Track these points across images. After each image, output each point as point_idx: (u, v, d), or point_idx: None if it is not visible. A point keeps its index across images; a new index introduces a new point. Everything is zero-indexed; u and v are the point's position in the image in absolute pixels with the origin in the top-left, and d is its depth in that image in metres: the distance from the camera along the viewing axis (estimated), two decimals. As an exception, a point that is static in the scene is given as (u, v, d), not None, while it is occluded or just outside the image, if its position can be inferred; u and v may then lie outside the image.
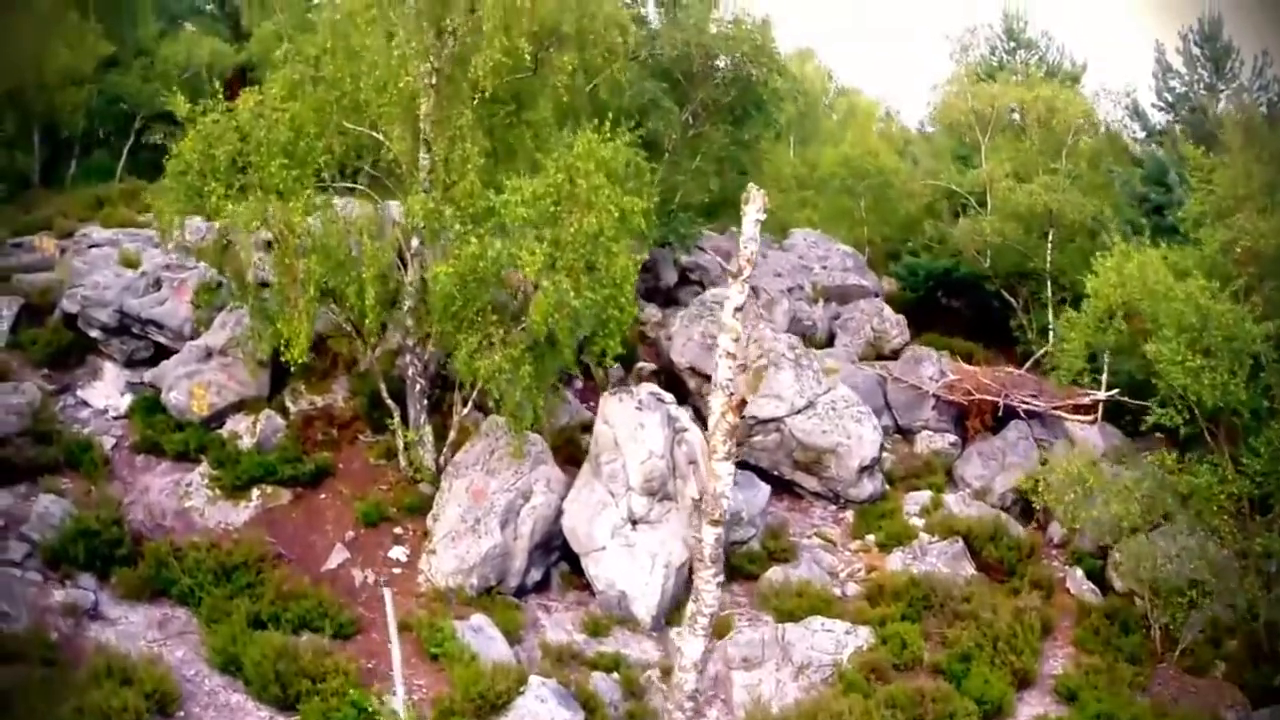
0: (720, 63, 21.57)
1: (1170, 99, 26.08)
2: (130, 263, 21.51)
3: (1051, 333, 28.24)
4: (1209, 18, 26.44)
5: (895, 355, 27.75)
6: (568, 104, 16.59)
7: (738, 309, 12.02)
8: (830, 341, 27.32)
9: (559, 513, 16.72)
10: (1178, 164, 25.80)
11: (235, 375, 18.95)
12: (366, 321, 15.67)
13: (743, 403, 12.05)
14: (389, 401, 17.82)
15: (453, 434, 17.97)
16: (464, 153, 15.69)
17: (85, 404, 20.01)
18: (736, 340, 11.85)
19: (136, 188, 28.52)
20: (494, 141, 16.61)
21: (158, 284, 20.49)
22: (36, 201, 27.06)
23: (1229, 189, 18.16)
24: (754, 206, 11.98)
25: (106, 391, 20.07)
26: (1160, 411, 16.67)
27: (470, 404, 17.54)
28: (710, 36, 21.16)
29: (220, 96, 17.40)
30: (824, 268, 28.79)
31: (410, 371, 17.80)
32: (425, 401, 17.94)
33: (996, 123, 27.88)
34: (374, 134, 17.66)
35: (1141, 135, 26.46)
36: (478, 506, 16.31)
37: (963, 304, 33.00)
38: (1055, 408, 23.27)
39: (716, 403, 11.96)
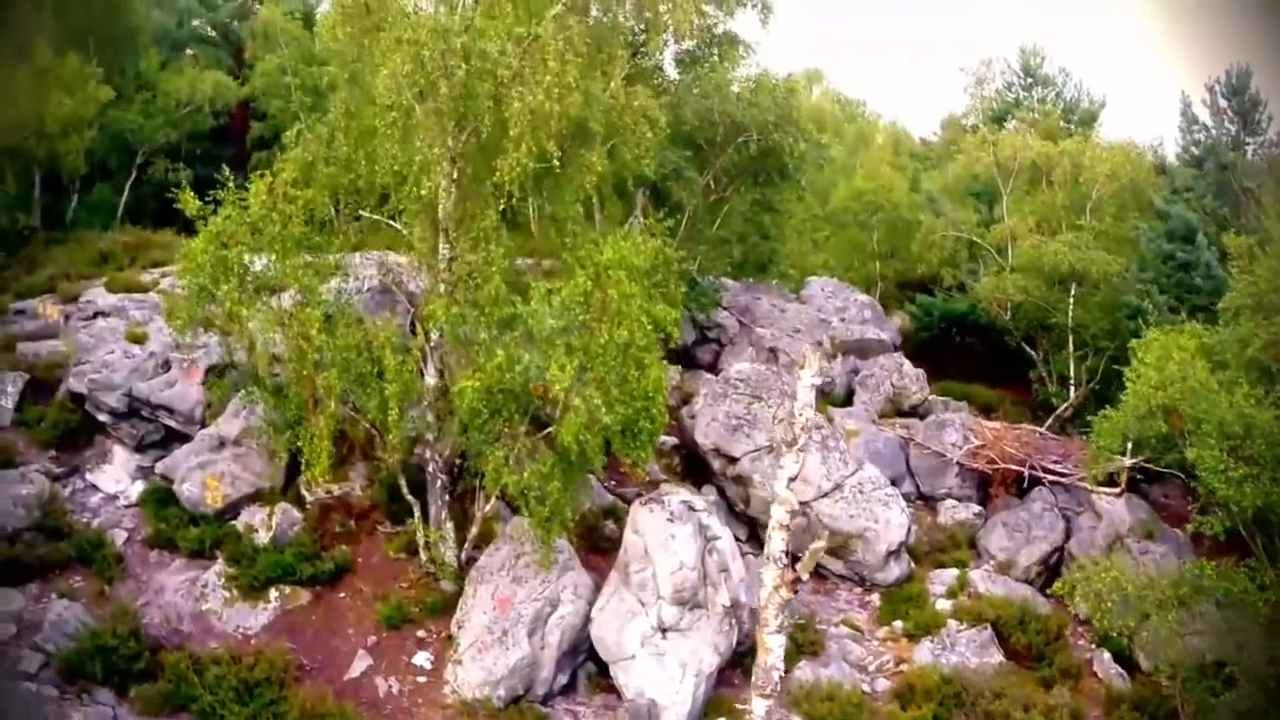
0: (745, 127, 20.99)
1: (1197, 153, 25.59)
2: (137, 338, 20.98)
3: (1073, 386, 27.96)
4: (1237, 69, 25.92)
5: (915, 411, 27.42)
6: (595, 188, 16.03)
7: (792, 479, 11.54)
8: (849, 398, 26.94)
9: (587, 619, 16.33)
10: (1204, 221, 25.43)
11: (250, 466, 18.49)
12: (389, 437, 15.18)
13: (797, 579, 11.61)
14: (409, 497, 17.39)
15: (475, 529, 17.56)
16: (488, 255, 15.18)
17: (95, 488, 19.56)
18: (792, 513, 11.36)
19: (140, 239, 27.93)
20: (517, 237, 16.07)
21: (166, 365, 19.97)
22: (37, 254, 26.45)
23: (1272, 281, 17.72)
24: (809, 371, 11.51)
25: (116, 475, 19.60)
26: (1200, 519, 16.34)
27: (493, 499, 17.11)
28: (734, 104, 20.59)
29: (231, 185, 16.84)
30: (842, 320, 28.35)
31: (430, 467, 17.34)
32: (446, 497, 17.50)
33: (1019, 174, 27.36)
34: (391, 223, 17.16)
35: (1167, 190, 25.89)
36: (504, 617, 15.91)
37: (977, 340, 32.71)
38: (1080, 479, 22.93)
39: (769, 575, 11.53)
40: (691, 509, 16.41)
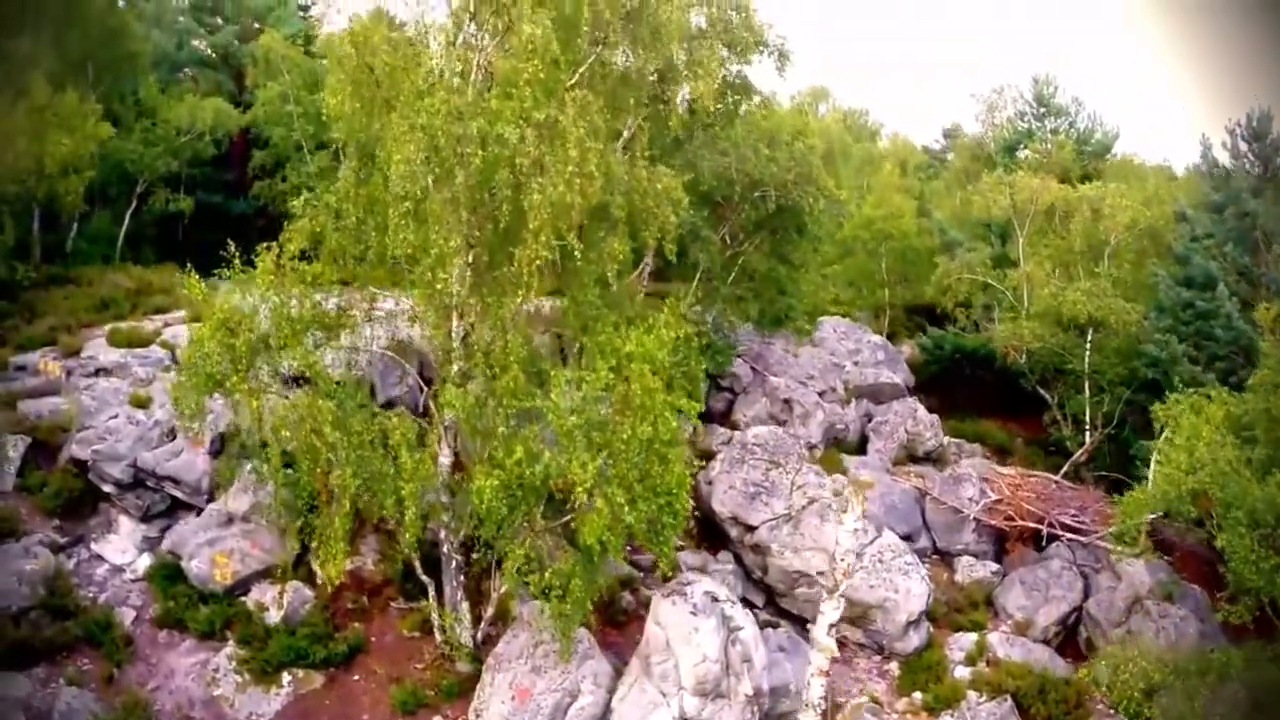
0: (763, 183, 20.56)
1: (1217, 200, 25.20)
2: (140, 402, 20.55)
3: (1088, 431, 27.67)
4: (1259, 112, 25.50)
5: (929, 457, 27.12)
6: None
7: (832, 625, 11.18)
8: (862, 445, 26.62)
9: (607, 709, 16.01)
10: (1224, 270, 25.08)
11: (259, 542, 18.12)
12: (406, 536, 14.79)
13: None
14: (423, 577, 17.04)
15: (490, 610, 17.23)
16: (505, 344, 14.77)
17: (100, 558, 19.16)
18: (833, 660, 11.01)
19: (141, 282, 27.40)
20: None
21: (172, 433, 19.54)
22: (37, 298, 25.92)
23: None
24: (851, 515, 11.13)
25: (122, 545, 19.21)
26: (1229, 609, 16.07)
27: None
28: (752, 162, 20.15)
29: (237, 262, 16.41)
30: (855, 364, 27.98)
31: (445, 548, 16.99)
32: (461, 577, 17.15)
33: (1035, 217, 26.98)
34: (405, 299, 16.74)
35: (1186, 237, 25.49)
36: (523, 708, 15.59)
37: (987, 372, 32.39)
38: (1099, 538, 22.66)
39: (808, 722, 11.19)
40: (714, 599, 16.07)
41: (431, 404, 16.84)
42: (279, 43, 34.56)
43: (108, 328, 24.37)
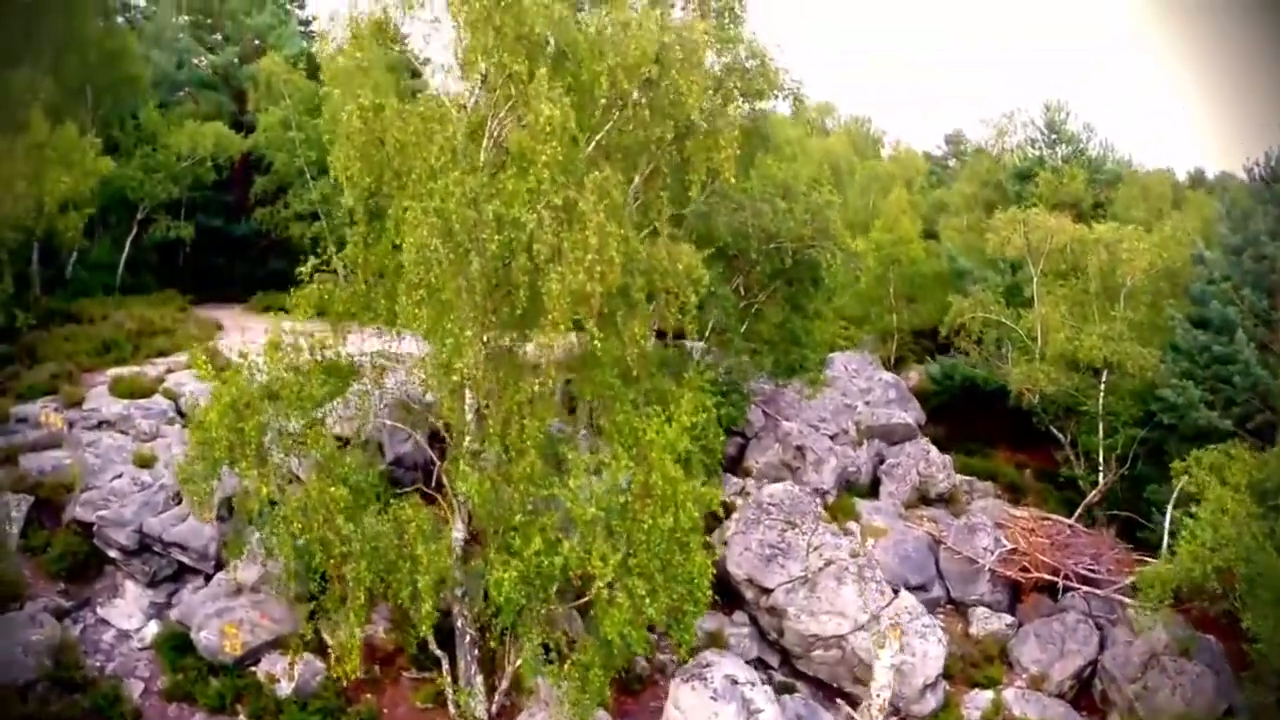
0: (778, 236, 20.21)
1: (1235, 242, 24.85)
2: (145, 461, 20.21)
3: (1101, 472, 27.41)
4: (1277, 152, 25.11)
5: (942, 499, 26.87)
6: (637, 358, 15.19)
7: None
8: (874, 487, 26.35)
9: (623, 791, 15.78)
10: (1242, 314, 24.75)
11: (269, 612, 17.80)
12: (422, 626, 14.46)
13: None
14: (436, 651, 16.75)
15: (505, 682, 16.95)
16: (522, 429, 14.43)
17: (106, 623, 18.87)
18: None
19: (143, 323, 26.98)
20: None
21: (177, 497, 19.19)
22: (37, 341, 25.48)
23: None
24: (889, 651, 10.83)
25: (129, 610, 18.90)
26: (1254, 689, 15.85)
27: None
28: (769, 217, 19.79)
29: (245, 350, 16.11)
30: (866, 403, 27.68)
31: (459, 623, 16.68)
32: (475, 651, 16.86)
33: (1050, 255, 26.64)
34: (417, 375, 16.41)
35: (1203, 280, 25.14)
36: (539, 792, 15.34)
37: (997, 402, 32.11)
38: (1114, 590, 22.44)
39: None
40: (734, 682, 15.80)
41: (444, 478, 16.52)
42: (280, 66, 34.02)
43: (110, 374, 24.08)
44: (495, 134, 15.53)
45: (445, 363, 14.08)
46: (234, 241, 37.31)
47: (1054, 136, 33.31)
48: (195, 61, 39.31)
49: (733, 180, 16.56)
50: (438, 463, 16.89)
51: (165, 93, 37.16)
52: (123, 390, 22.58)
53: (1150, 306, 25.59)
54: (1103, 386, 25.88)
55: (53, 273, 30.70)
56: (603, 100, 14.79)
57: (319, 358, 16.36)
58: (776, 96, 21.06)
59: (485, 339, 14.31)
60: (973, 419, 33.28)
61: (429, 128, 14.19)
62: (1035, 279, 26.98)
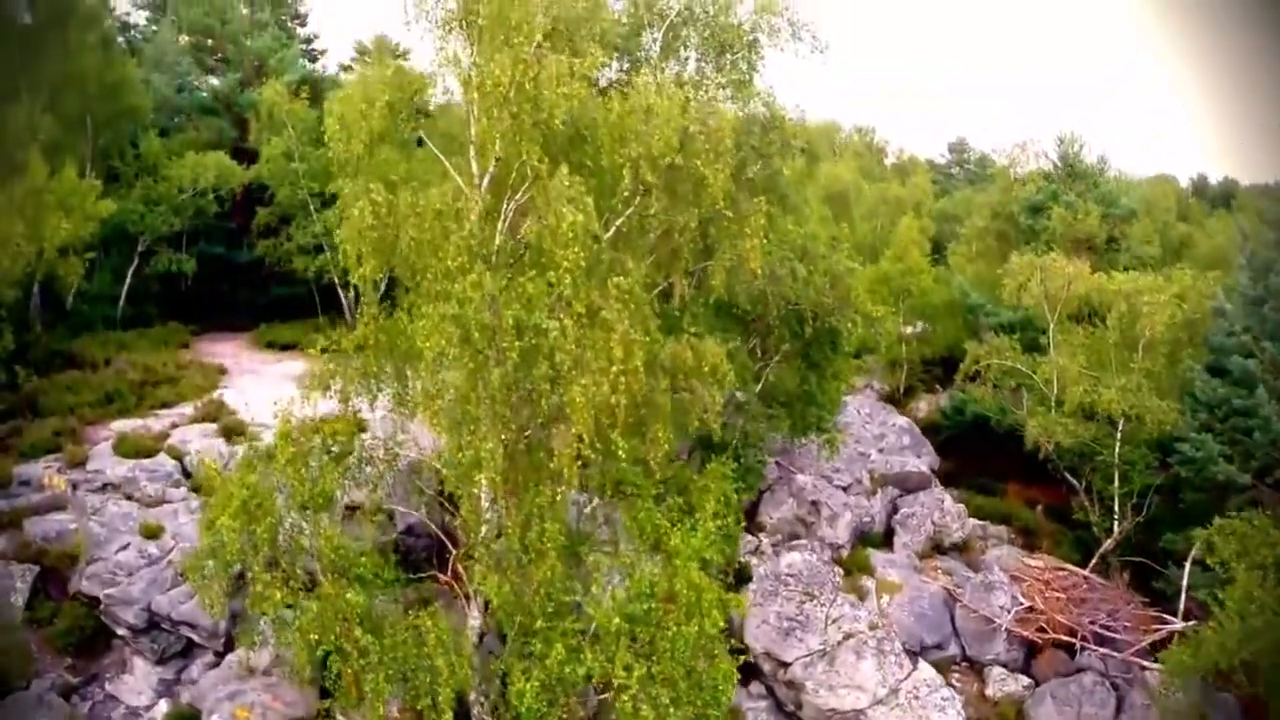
0: (799, 304, 19.84)
1: (1256, 293, 24.49)
2: (152, 532, 19.84)
3: (1116, 520, 27.13)
4: (1299, 201, 24.75)
5: (957, 548, 26.60)
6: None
7: None
8: (888, 536, 26.05)
9: None
10: (1263, 368, 24.42)
11: (281, 696, 17.48)
12: (441, 734, 14.15)
13: None
14: (454, 745, 16.44)
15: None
16: (542, 531, 14.08)
17: (115, 699, 18.56)
18: None
19: (146, 372, 26.52)
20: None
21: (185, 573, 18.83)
22: (40, 392, 25.03)
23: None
24: None
25: (138, 687, 18.59)
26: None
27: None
28: (788, 284, 19.38)
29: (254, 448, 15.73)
30: (880, 450, 27.36)
31: (475, 710, 16.37)
32: (491, 739, 16.56)
33: (1067, 305, 26.28)
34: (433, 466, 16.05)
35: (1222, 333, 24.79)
36: None
37: (1009, 440, 31.81)
38: (1132, 653, 22.20)
39: None
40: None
41: (460, 566, 16.18)
42: (282, 96, 33.49)
43: (114, 427, 23.72)
44: (509, 216, 15.15)
45: (465, 471, 13.71)
46: (237, 268, 36.85)
47: (1068, 169, 32.88)
48: (195, 83, 38.75)
49: (758, 271, 16.15)
50: (452, 550, 16.53)
51: (165, 117, 36.63)
52: (127, 450, 22.17)
53: (1168, 356, 25.22)
54: (1119, 436, 25.56)
55: (53, 310, 30.27)
56: (625, 192, 14.38)
57: (332, 449, 15.96)
58: (793, 155, 20.65)
59: (504, 439, 13.92)
60: (984, 453, 32.93)
61: (445, 226, 13.77)
62: (1052, 325, 26.60)
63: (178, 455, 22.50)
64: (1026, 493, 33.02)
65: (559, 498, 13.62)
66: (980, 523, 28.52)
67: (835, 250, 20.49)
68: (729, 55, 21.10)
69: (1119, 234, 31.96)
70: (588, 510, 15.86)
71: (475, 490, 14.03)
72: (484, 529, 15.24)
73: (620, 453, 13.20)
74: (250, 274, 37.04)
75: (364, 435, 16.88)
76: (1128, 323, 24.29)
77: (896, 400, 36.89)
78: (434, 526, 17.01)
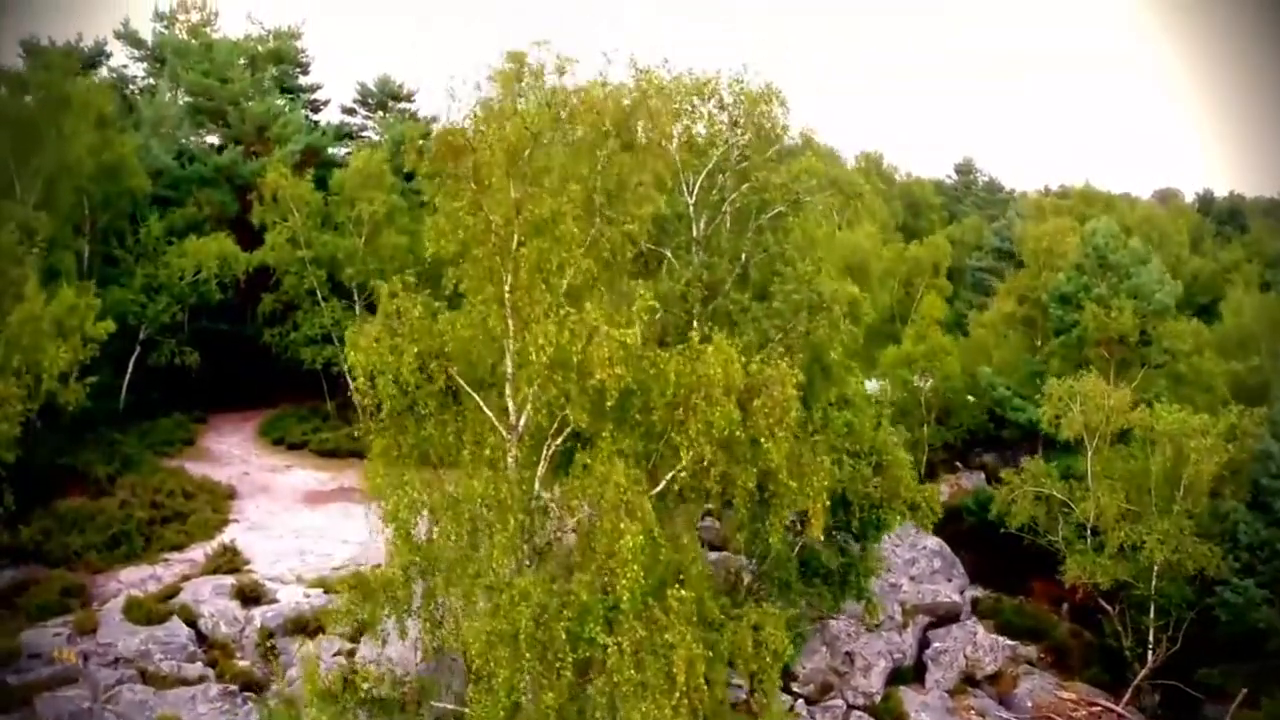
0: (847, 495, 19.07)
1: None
2: (170, 725, 19.08)
3: (1150, 650, 26.63)
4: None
5: (989, 680, 26.10)
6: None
7: None
8: (919, 670, 25.49)
9: None
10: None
11: None
12: None
13: None
14: None
15: None
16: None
17: None
18: None
19: (154, 509, 25.37)
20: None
21: (209, 781, 18.14)
22: (44, 538, 23.95)
23: None
24: None
25: None
26: None
27: None
28: (837, 477, 18.43)
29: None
30: (911, 578, 26.70)
31: None
32: None
33: (1106, 433, 25.51)
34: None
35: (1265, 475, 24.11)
36: None
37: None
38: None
39: None
40: None
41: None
42: (286, 178, 32.10)
43: (123, 582, 22.87)
44: (548, 459, 14.23)
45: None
46: (241, 344, 35.58)
47: (1101, 262, 31.87)
48: (194, 148, 37.24)
49: (821, 537, 15.28)
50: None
51: (165, 186, 35.10)
52: (137, 616, 21.33)
53: (1211, 495, 24.53)
54: (1155, 571, 24.96)
55: (51, 413, 29.16)
56: (683, 471, 13.44)
57: (364, 693, 15.13)
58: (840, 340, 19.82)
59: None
60: (1007, 548, 32.35)
61: (487, 521, 12.82)
62: (1090, 453, 25.84)
63: (191, 618, 21.67)
64: (1049, 589, 32.49)
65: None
66: (1011, 643, 27.97)
67: (887, 440, 19.48)
68: (766, 215, 20.23)
69: (1152, 330, 31.08)
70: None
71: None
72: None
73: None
74: (255, 352, 35.75)
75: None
76: (1172, 465, 23.54)
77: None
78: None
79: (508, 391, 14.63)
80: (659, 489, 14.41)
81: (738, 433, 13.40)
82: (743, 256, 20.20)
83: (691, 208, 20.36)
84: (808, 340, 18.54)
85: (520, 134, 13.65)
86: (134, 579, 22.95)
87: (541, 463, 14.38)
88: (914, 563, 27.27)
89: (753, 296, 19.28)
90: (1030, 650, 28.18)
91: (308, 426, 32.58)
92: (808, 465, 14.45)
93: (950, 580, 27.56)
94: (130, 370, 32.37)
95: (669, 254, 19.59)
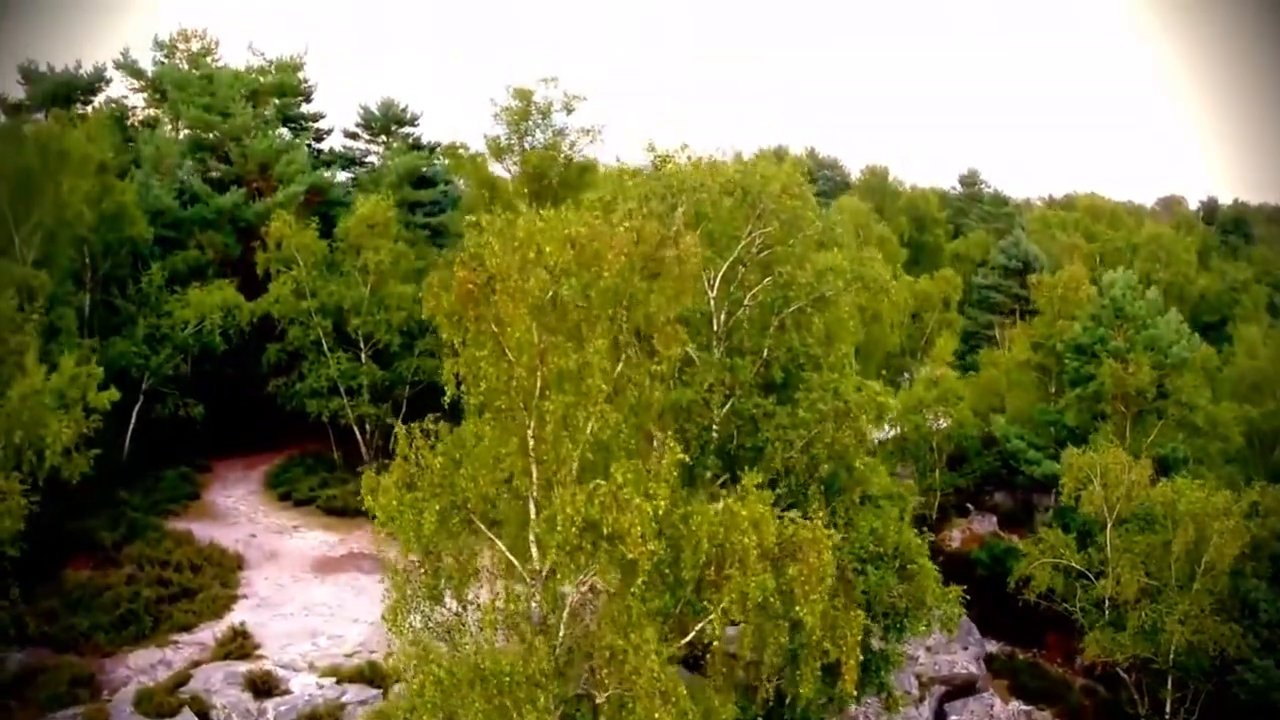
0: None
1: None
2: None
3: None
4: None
5: (1003, 752, 26.01)
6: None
7: None
8: (934, 745, 25.39)
9: None
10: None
11: None
12: None
13: None
14: None
15: None
16: None
17: None
18: None
19: (160, 587, 24.93)
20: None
21: None
22: (51, 620, 23.56)
23: None
24: None
25: None
26: None
27: None
28: (862, 588, 18.15)
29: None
30: (927, 648, 26.48)
31: None
32: None
33: (1126, 510, 25.19)
34: None
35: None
36: None
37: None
38: None
39: None
40: None
41: None
42: (291, 229, 31.51)
43: (132, 668, 22.53)
44: (571, 603, 13.88)
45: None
46: (247, 388, 35.05)
47: (1118, 313, 31.41)
48: (195, 186, 36.51)
49: (854, 692, 14.98)
50: None
51: (165, 226, 34.44)
52: (148, 709, 21.00)
53: (1232, 574, 24.24)
54: (1174, 650, 24.72)
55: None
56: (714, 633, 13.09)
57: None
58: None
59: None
60: (1020, 601, 32.15)
61: (515, 698, 12.44)
62: (1109, 528, 25.54)
63: (203, 709, 21.34)
64: (1066, 643, 32.29)
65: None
66: (1026, 708, 27.84)
67: (912, 546, 19.12)
68: (789, 310, 19.79)
69: (1169, 385, 30.66)
70: None
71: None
72: None
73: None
74: (260, 397, 35.21)
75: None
76: (1193, 544, 23.25)
77: (929, 526, 35.92)
78: None
79: (531, 538, 14.26)
80: (688, 638, 14.11)
81: (772, 599, 13.05)
82: (764, 352, 19.75)
83: (712, 301, 19.89)
84: (832, 449, 18.15)
85: (543, 283, 13.18)
86: (143, 664, 22.64)
87: (564, 608, 14.04)
88: (931, 632, 26.98)
89: (776, 401, 18.85)
90: (1045, 715, 28.03)
91: (314, 480, 32.15)
92: (839, 619, 14.10)
93: (966, 648, 27.35)
94: (133, 421, 31.88)
95: (691, 352, 19.14)
